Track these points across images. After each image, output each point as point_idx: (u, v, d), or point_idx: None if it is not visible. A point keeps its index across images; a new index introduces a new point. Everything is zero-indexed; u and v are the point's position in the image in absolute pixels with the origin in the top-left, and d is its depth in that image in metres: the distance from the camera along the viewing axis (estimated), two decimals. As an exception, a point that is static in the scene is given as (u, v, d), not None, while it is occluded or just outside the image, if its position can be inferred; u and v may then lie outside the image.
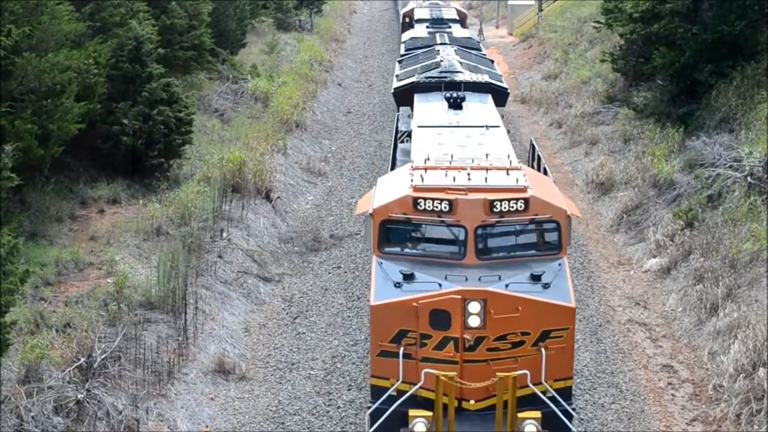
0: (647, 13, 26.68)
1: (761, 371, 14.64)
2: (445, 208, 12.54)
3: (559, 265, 12.68)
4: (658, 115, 26.67)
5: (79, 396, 13.41)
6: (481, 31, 51.84)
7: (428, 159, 13.91)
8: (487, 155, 14.24)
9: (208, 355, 16.44)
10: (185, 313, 16.69)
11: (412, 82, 21.18)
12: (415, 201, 12.60)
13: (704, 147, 22.55)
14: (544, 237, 12.99)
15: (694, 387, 15.90)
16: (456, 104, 18.48)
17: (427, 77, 21.10)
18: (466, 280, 12.13)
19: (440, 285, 12.06)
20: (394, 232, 12.91)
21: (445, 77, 20.83)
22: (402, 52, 28.05)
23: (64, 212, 19.96)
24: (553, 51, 41.66)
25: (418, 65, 23.20)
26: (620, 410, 15.28)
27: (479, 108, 18.85)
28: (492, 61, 25.95)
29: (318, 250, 22.01)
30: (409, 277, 12.28)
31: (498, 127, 16.99)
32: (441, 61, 22.89)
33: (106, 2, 23.42)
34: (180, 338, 16.23)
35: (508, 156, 14.38)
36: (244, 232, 21.40)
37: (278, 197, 24.10)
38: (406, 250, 12.90)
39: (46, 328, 14.94)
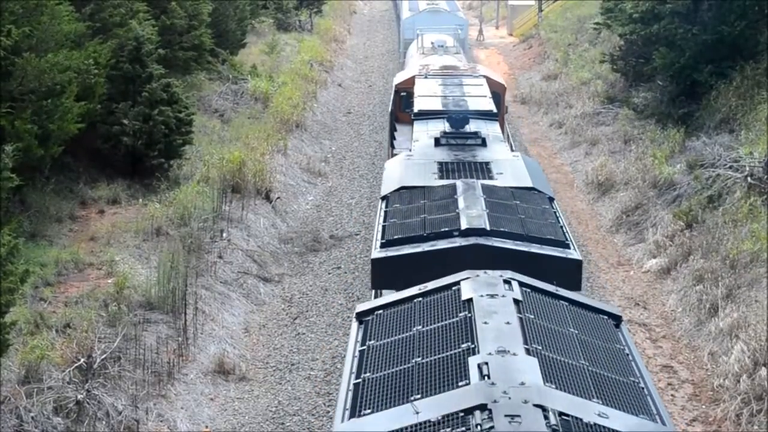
0: (647, 13, 26.73)
1: (762, 371, 14.63)
2: None
3: None
4: (659, 116, 26.69)
5: (79, 396, 13.40)
6: (481, 32, 51.90)
7: None
8: None
9: (207, 355, 16.44)
10: (185, 314, 16.69)
11: None
12: None
13: (704, 147, 22.56)
14: None
15: (694, 387, 15.89)
16: None
17: None
18: None
19: None
20: None
21: None
22: (380, 237, 11.35)
23: (64, 212, 19.93)
24: (553, 51, 41.67)
25: (414, 369, 7.22)
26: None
27: None
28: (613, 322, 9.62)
29: (318, 250, 22.01)
30: None
31: None
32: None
33: (106, 2, 23.39)
34: (180, 339, 16.22)
35: None
36: (244, 232, 21.39)
37: (278, 197, 24.10)
38: None
39: (46, 329, 14.91)
